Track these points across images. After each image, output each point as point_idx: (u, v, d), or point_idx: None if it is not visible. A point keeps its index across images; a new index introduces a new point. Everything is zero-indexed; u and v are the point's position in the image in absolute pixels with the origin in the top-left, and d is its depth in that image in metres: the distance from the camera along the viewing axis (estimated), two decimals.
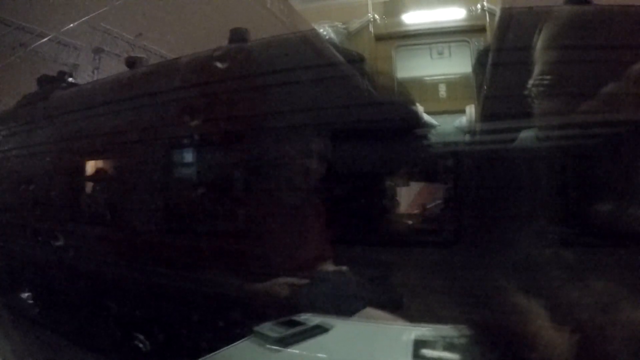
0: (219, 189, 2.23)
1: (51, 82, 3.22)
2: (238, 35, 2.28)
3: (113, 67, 3.61)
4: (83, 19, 3.17)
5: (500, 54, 2.07)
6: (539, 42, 1.64)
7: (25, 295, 2.62)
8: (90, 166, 2.85)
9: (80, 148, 2.77)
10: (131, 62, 2.87)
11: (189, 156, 2.35)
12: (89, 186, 2.86)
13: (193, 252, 2.12)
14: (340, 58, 2.38)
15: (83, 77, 3.66)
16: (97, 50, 3.57)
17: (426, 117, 2.61)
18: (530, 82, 1.65)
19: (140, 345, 1.85)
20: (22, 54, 3.35)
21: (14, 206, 3.02)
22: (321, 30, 3.22)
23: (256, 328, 1.50)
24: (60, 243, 2.45)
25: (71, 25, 3.21)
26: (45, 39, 3.39)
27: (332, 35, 3.32)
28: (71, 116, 2.86)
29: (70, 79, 3.33)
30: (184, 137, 2.24)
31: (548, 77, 1.62)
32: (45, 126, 3.03)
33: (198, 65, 2.33)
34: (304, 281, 1.90)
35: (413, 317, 1.73)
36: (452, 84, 3.44)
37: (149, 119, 2.42)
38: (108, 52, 3.59)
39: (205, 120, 2.15)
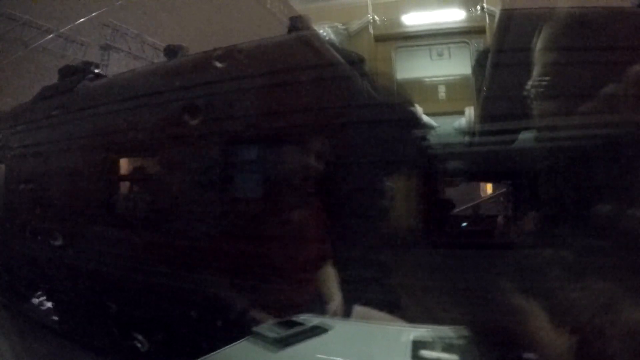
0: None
1: (75, 74, 3.12)
2: (298, 23, 2.25)
3: (124, 63, 3.58)
4: (91, 15, 3.13)
5: (500, 55, 2.07)
6: (539, 44, 1.64)
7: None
8: (132, 163, 2.71)
9: (119, 142, 2.63)
10: (172, 51, 2.72)
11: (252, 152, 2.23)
12: (128, 185, 2.75)
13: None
14: (340, 59, 2.37)
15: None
16: (106, 47, 3.51)
17: (425, 118, 2.62)
18: (530, 83, 1.66)
19: (139, 345, 1.85)
20: (28, 50, 3.28)
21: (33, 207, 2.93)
22: (321, 31, 3.22)
23: (255, 328, 1.49)
24: (59, 243, 2.45)
25: (80, 20, 3.16)
26: (51, 35, 3.34)
27: (332, 36, 3.32)
28: (109, 108, 2.71)
29: (96, 70, 3.24)
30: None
31: (547, 78, 1.62)
32: (74, 119, 2.88)
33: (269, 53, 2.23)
34: None
35: None
36: (452, 85, 3.45)
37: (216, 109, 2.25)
38: (117, 48, 3.54)
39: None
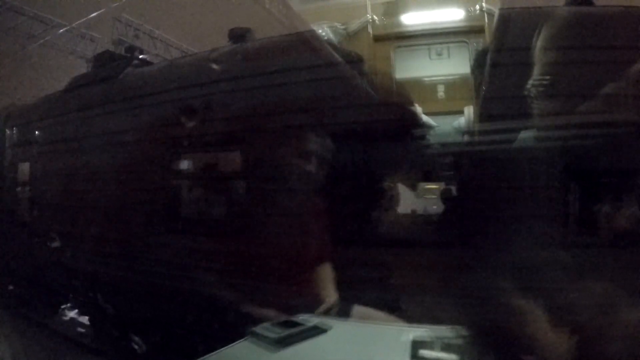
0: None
1: (116, 60, 2.91)
2: None
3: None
4: (103, 10, 2.97)
5: (499, 54, 2.07)
6: (539, 43, 1.64)
7: None
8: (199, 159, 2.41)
9: (184, 135, 2.31)
10: (239, 35, 2.46)
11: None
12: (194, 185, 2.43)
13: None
14: (339, 58, 2.36)
15: None
16: (119, 42, 3.30)
17: (425, 118, 2.62)
18: (530, 82, 1.65)
19: (139, 345, 1.85)
20: (36, 45, 3.11)
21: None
22: (320, 30, 3.21)
23: (254, 328, 1.49)
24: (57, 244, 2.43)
25: (91, 15, 3.01)
26: (61, 30, 3.18)
27: (331, 35, 3.32)
28: (168, 96, 2.42)
29: (141, 56, 3.04)
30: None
31: (548, 77, 1.61)
32: (122, 109, 2.58)
33: None
34: None
35: None
36: (451, 85, 3.45)
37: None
38: (129, 44, 3.32)
39: None
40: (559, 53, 1.64)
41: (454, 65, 3.40)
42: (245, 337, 1.46)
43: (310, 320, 1.56)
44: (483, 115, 2.29)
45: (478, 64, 2.72)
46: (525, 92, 1.66)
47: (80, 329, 2.39)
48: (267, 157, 2.08)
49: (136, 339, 1.80)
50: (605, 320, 1.21)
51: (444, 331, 1.42)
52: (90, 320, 2.35)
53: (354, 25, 3.58)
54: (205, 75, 2.38)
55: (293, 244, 1.95)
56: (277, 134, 2.09)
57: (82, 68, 3.36)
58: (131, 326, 1.94)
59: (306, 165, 1.96)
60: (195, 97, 2.33)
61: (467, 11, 3.49)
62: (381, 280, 1.90)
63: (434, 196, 2.49)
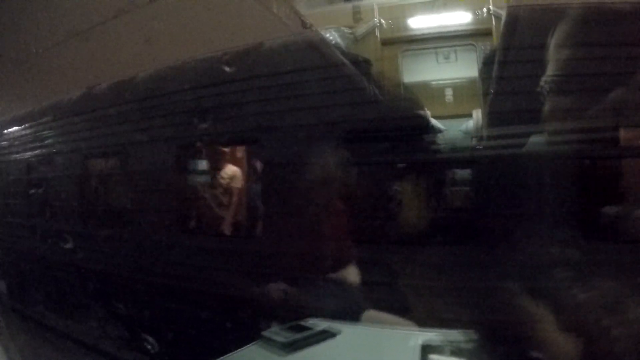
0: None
1: None
2: None
3: None
4: None
5: (507, 53, 2.05)
6: (553, 40, 1.61)
7: None
8: None
9: None
10: None
11: None
12: None
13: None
14: (347, 62, 2.36)
15: None
16: None
17: (433, 122, 2.61)
18: (544, 78, 1.63)
19: (146, 348, 1.85)
20: None
21: None
22: (327, 34, 3.22)
23: (264, 332, 1.49)
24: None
25: None
26: None
27: (339, 39, 3.32)
28: None
29: None
30: None
31: (561, 73, 1.59)
32: None
33: None
34: None
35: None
36: (459, 88, 3.44)
37: None
38: None
39: None
40: (573, 50, 1.62)
41: (461, 68, 3.39)
42: (255, 341, 1.47)
43: (319, 324, 1.56)
44: (492, 117, 2.28)
45: (486, 66, 2.72)
46: (538, 89, 1.64)
47: (90, 331, 2.41)
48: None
49: (146, 340, 1.81)
50: (613, 320, 1.21)
51: (454, 335, 1.41)
52: (100, 320, 2.36)
53: (362, 29, 3.58)
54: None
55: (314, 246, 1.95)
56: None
57: None
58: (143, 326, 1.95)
59: (325, 168, 1.97)
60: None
61: (475, 14, 3.49)
62: (392, 282, 1.89)
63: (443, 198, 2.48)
